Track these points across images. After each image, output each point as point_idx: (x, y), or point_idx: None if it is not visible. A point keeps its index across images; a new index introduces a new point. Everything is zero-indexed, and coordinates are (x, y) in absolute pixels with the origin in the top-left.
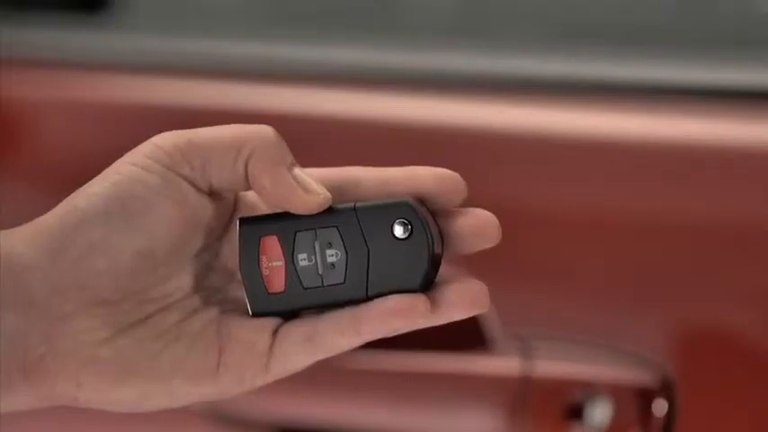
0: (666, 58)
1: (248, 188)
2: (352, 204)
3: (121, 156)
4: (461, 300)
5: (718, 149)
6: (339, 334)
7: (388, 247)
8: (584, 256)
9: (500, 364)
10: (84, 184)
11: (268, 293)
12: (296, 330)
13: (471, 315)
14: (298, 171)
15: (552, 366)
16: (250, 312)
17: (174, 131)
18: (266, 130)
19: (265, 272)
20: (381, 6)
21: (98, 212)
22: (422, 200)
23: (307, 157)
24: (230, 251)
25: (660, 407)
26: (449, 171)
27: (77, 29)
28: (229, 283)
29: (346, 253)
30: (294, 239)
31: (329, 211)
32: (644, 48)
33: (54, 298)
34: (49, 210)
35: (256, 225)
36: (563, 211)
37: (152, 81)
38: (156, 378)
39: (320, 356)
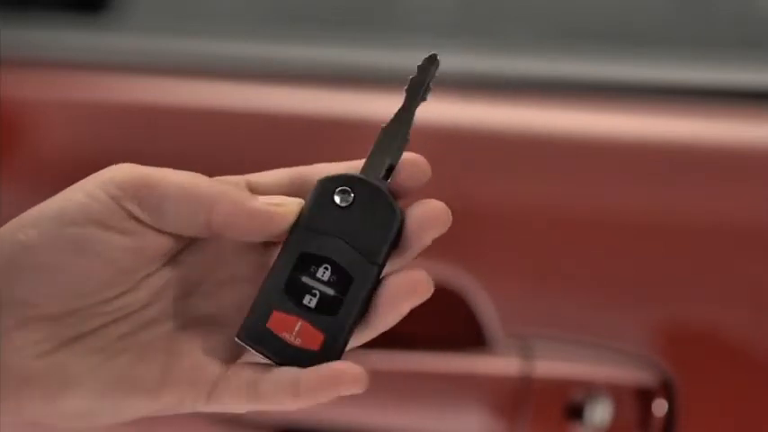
0: (666, 59)
1: (212, 235)
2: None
3: (120, 156)
4: (401, 290)
5: (717, 149)
6: (281, 393)
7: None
8: (584, 256)
9: (500, 364)
10: None
11: (296, 348)
12: (242, 374)
13: (415, 304)
14: (261, 199)
15: (552, 366)
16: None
17: (136, 166)
18: (227, 189)
19: (296, 341)
20: (381, 6)
21: (44, 238)
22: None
23: (306, 158)
24: (195, 261)
25: (660, 407)
26: (410, 153)
27: (77, 29)
28: (191, 296)
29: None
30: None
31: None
32: (643, 48)
33: None
34: None
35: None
36: (563, 211)
37: (152, 81)
38: (96, 391)
39: (261, 408)
